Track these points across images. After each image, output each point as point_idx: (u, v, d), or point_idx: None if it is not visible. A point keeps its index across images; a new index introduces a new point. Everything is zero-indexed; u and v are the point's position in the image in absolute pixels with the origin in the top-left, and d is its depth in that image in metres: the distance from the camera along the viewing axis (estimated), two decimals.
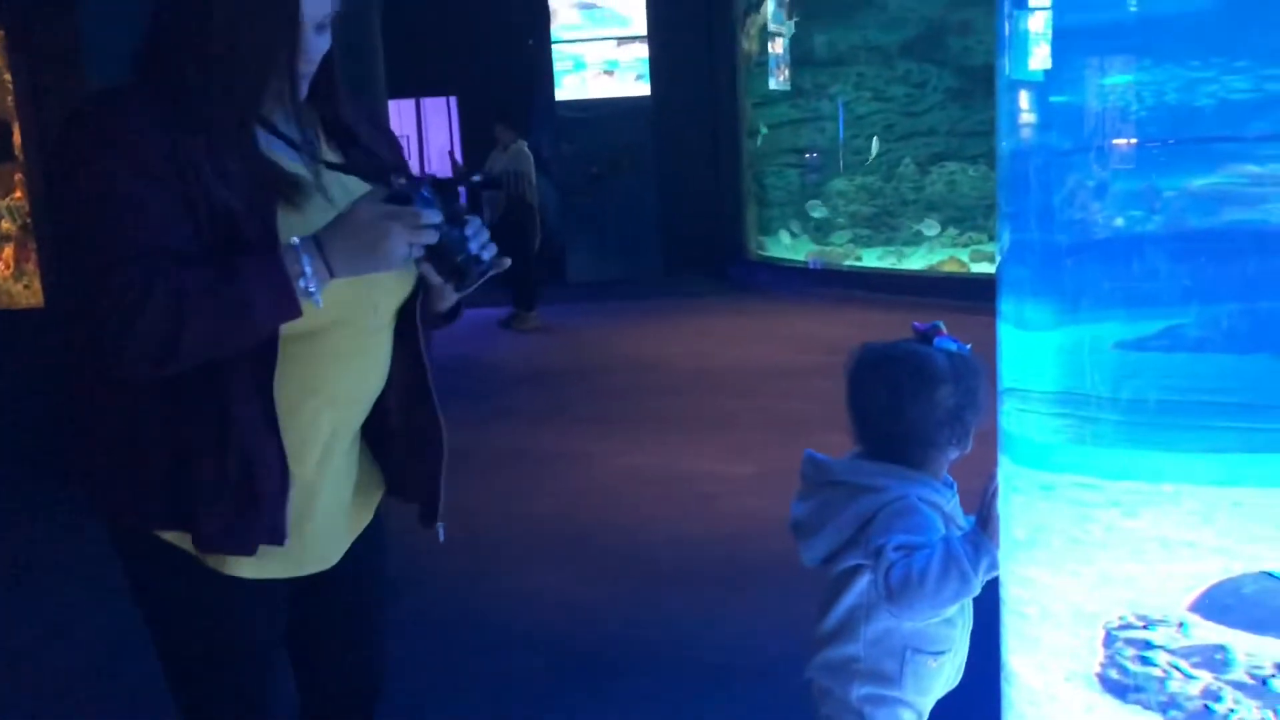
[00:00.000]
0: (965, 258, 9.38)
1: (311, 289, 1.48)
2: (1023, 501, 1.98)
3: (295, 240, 1.49)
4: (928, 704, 1.87)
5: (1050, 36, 1.59)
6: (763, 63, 11.05)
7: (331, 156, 1.67)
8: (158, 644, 1.71)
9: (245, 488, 1.55)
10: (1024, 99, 1.65)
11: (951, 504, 1.83)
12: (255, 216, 1.52)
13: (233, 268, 1.47)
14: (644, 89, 11.07)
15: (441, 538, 1.79)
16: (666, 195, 11.00)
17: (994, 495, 1.66)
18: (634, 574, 3.91)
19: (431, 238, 1.52)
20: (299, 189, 1.57)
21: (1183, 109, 1.50)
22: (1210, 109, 1.50)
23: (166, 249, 1.46)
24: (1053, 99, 1.63)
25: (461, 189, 8.46)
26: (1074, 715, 2.33)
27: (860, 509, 1.77)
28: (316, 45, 1.57)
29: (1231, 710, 2.28)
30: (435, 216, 1.52)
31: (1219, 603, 2.58)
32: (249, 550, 1.59)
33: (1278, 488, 2.87)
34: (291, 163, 1.60)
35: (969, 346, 1.84)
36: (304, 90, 1.60)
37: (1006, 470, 1.82)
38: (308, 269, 1.48)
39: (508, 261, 1.63)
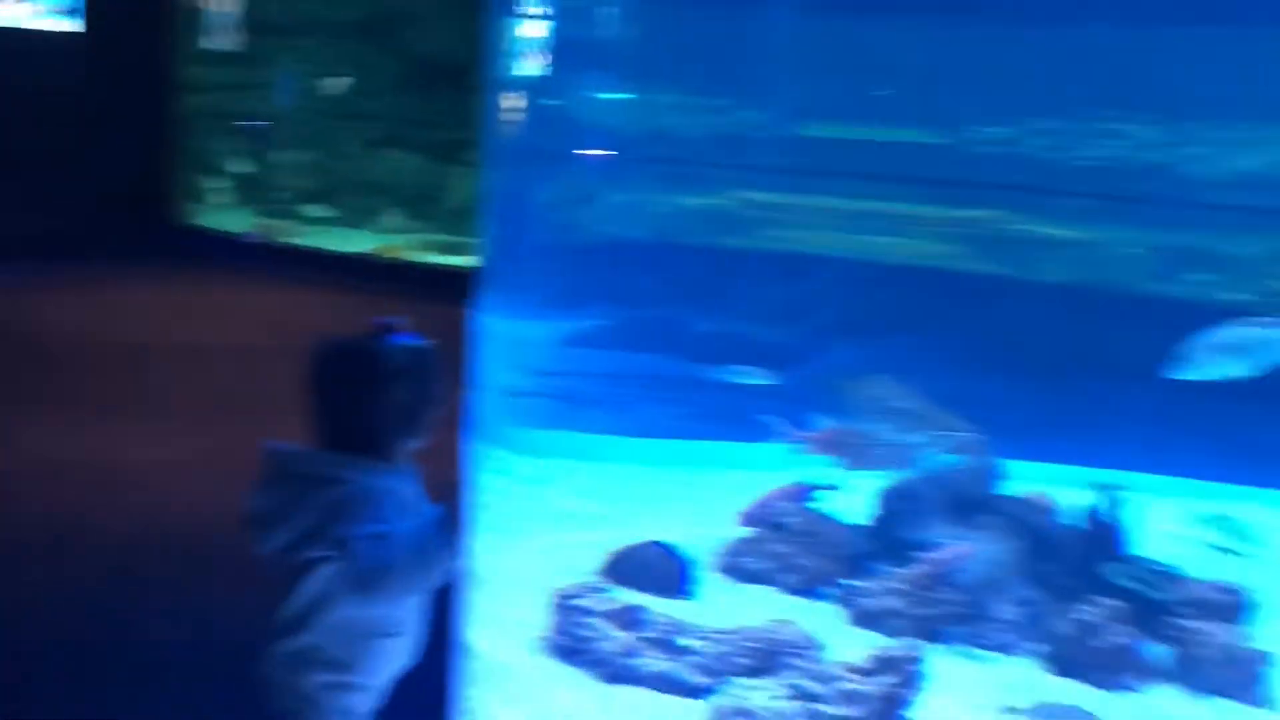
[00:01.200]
0: (404, 244, 9.53)
1: None
2: (485, 482, 2.11)
3: None
4: (383, 684, 1.92)
5: (546, 44, 1.68)
6: (208, 20, 10.43)
7: None
8: None
9: None
10: (510, 102, 1.74)
11: (414, 491, 1.88)
12: None
13: None
14: (76, 26, 9.94)
15: None
16: (97, 147, 9.95)
17: (462, 480, 1.74)
18: (61, 570, 3.55)
19: None
20: None
21: (666, 131, 1.67)
22: (695, 134, 1.68)
23: None
24: (541, 103, 1.73)
25: None
26: (527, 681, 2.53)
27: (322, 500, 1.78)
28: None
29: (646, 664, 2.61)
30: None
31: (623, 569, 2.96)
32: None
33: (682, 469, 3.33)
34: None
35: (426, 340, 1.91)
36: None
37: (473, 453, 1.92)
38: None
39: None
